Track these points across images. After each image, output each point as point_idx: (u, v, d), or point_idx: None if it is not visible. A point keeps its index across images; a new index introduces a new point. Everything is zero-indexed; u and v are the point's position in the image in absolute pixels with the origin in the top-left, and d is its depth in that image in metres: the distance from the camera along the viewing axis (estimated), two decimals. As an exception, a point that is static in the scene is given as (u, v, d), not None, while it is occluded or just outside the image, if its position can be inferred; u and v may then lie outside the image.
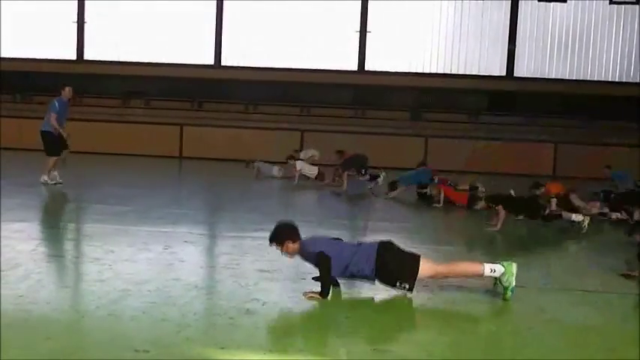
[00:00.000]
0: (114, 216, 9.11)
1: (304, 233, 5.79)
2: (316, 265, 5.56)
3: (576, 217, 9.40)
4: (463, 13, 21.67)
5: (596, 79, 21.41)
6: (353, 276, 5.67)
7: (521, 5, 21.53)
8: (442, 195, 11.49)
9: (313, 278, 5.66)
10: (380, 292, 5.70)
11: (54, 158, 12.09)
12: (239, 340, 4.42)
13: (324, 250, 5.49)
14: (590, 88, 20.93)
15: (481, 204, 9.24)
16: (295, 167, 14.07)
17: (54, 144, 12.05)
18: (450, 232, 9.69)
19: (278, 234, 5.70)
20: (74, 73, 19.76)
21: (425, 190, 12.01)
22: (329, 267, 5.50)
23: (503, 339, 4.92)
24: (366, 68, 21.74)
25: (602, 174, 14.74)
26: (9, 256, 6.38)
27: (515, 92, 21.14)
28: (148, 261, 6.54)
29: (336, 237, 6.10)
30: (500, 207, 9.15)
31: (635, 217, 10.00)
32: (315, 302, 5.31)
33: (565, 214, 9.48)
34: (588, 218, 9.41)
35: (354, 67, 21.73)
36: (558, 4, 20.69)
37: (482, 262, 5.76)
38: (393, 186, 12.39)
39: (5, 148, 17.08)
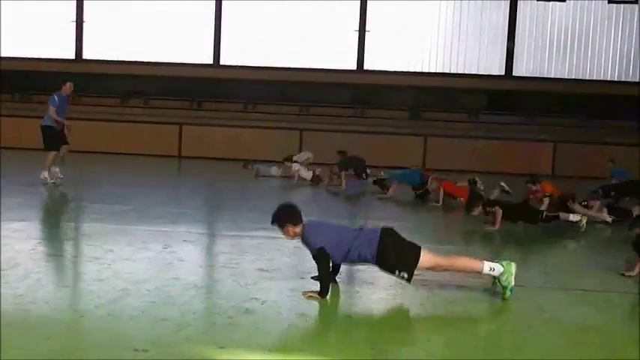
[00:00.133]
0: (113, 215, 9.11)
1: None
2: (314, 257, 5.52)
3: (574, 217, 9.39)
4: (462, 13, 21.66)
5: (595, 78, 21.39)
6: (354, 262, 5.64)
7: (520, 5, 21.51)
8: (441, 192, 11.48)
9: (313, 278, 5.66)
10: (380, 291, 5.70)
11: (53, 153, 12.06)
12: (238, 340, 4.42)
13: (325, 247, 5.44)
14: (589, 87, 20.92)
15: (478, 210, 9.24)
16: (292, 169, 14.18)
17: (53, 138, 12.04)
18: (450, 231, 9.68)
19: (279, 216, 5.64)
20: (73, 72, 19.58)
21: (421, 191, 11.99)
22: (328, 267, 5.49)
23: (503, 338, 4.92)
24: (365, 67, 21.71)
25: (605, 167, 14.94)
26: (8, 255, 6.38)
27: (515, 91, 21.12)
28: (147, 260, 6.54)
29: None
30: (497, 207, 9.16)
31: (635, 212, 10.00)
32: (314, 301, 5.31)
33: (562, 214, 9.47)
34: (586, 217, 9.41)
35: (353, 66, 21.71)
36: (557, 3, 20.72)
37: (482, 259, 5.75)
38: (382, 183, 12.46)
39: (4, 148, 17.06)
